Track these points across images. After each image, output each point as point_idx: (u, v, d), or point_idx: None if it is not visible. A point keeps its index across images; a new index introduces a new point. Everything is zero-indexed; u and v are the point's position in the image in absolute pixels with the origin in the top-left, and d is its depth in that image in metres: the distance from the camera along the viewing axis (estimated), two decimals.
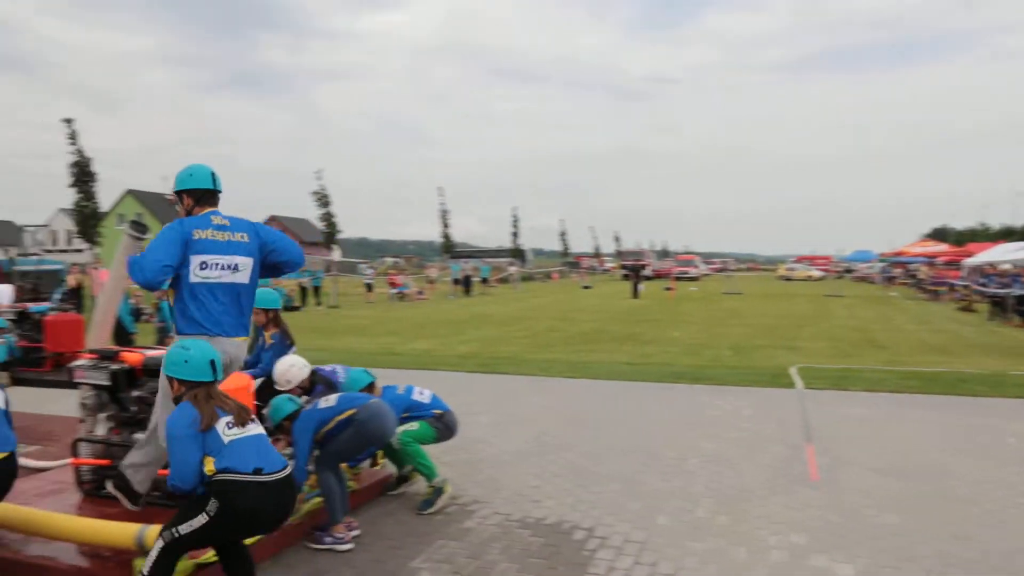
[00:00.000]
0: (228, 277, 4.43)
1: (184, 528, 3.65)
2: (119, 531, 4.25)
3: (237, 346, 4.51)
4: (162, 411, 4.34)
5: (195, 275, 4.34)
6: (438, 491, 5.56)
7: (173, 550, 3.68)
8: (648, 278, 51.88)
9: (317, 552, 4.75)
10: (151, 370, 5.39)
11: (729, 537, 5.00)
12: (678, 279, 49.27)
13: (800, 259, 75.92)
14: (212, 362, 3.84)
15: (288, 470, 3.81)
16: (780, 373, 11.58)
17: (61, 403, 6.32)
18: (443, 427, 5.82)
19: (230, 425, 3.70)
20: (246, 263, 4.51)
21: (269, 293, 6.38)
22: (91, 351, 5.66)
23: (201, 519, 3.62)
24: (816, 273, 61.27)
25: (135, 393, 5.36)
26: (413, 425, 5.64)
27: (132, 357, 5.46)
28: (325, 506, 4.90)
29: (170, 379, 3.86)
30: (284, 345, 6.27)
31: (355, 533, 4.92)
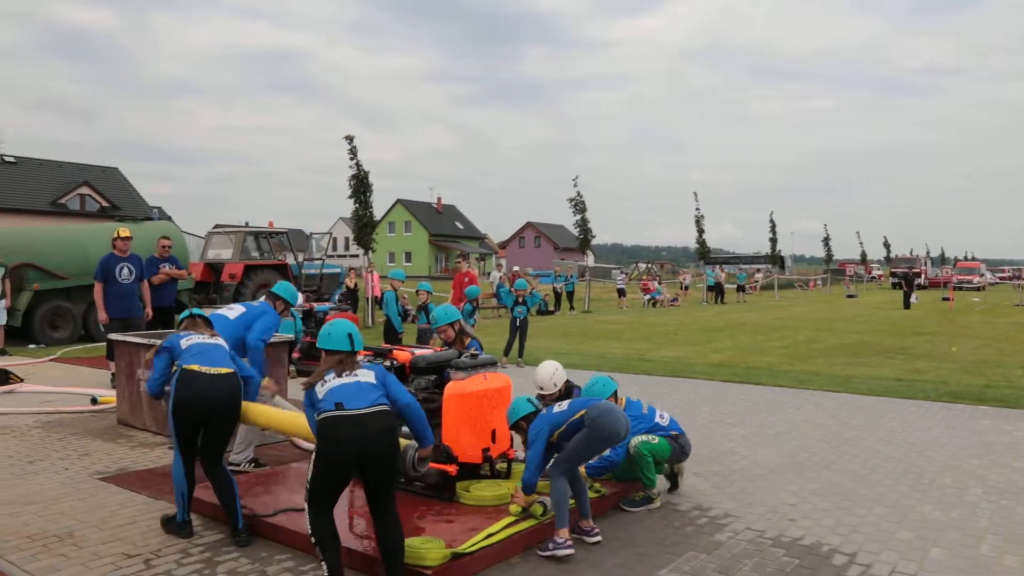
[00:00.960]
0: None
1: (309, 477, 4.13)
2: None
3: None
4: None
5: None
6: (647, 499, 5.73)
7: (312, 502, 4.12)
8: (922, 287, 47.89)
9: (557, 558, 4.82)
10: (419, 368, 5.79)
11: None
12: (957, 288, 44.96)
13: None
14: (350, 335, 4.37)
15: (376, 408, 4.12)
16: None
17: None
18: (678, 447, 5.92)
19: (331, 379, 4.20)
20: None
21: (449, 308, 6.83)
22: (366, 348, 6.17)
23: (312, 463, 4.13)
24: None
25: None
26: (653, 439, 5.78)
27: (402, 355, 5.89)
28: (552, 509, 4.92)
29: (319, 351, 4.42)
30: (478, 343, 6.73)
31: (596, 539, 4.95)
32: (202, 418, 4.88)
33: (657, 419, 5.97)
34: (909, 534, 5.18)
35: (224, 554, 4.71)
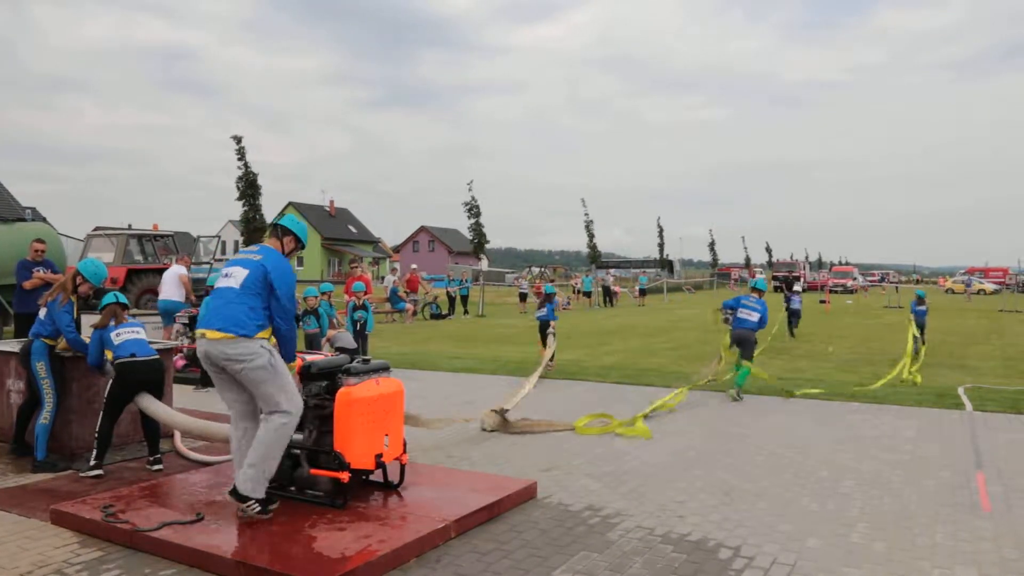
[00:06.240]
0: (221, 282, 5.37)
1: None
2: None
3: (208, 342, 5.16)
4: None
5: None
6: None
7: None
8: (801, 290, 50.08)
9: (461, 555, 4.83)
10: (310, 374, 5.67)
11: (887, 566, 4.73)
12: (833, 291, 47.23)
13: (971, 271, 71.18)
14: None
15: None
16: (946, 393, 10.88)
17: None
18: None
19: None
20: (240, 272, 5.30)
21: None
22: None
23: None
24: (990, 286, 57.33)
25: None
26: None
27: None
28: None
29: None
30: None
31: None
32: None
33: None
34: (789, 526, 5.42)
35: (103, 572, 4.50)
